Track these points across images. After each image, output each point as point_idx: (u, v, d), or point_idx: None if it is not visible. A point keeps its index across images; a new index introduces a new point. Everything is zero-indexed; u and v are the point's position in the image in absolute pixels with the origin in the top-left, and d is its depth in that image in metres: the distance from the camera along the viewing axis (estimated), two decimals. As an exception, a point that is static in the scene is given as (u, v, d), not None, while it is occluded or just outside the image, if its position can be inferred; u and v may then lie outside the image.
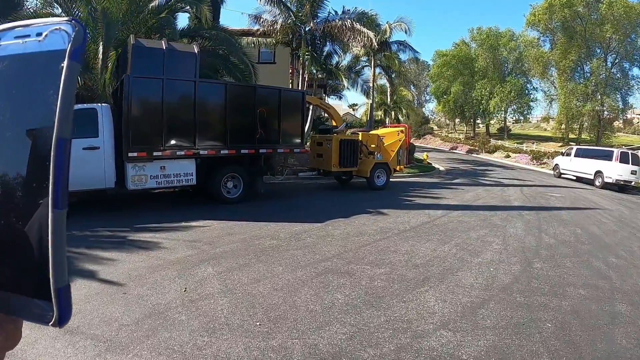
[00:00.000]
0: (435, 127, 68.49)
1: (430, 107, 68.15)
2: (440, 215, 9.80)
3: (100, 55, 10.84)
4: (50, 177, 0.42)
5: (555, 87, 37.76)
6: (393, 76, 44.67)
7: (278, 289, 4.88)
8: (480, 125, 55.49)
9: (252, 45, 20.61)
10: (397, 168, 14.95)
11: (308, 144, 14.50)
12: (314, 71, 20.03)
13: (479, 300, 4.75)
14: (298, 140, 11.98)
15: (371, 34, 17.65)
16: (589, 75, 34.53)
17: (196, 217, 8.51)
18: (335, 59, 20.15)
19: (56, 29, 0.44)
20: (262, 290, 4.82)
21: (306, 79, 20.70)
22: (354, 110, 62.16)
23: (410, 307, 4.50)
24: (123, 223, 7.74)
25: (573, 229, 9.10)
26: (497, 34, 43.85)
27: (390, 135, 14.86)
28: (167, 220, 8.10)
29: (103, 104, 9.28)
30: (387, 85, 45.48)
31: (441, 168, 25.47)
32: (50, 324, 0.44)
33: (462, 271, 5.74)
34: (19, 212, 0.45)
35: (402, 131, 14.74)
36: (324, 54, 20.22)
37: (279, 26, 19.68)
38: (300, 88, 20.46)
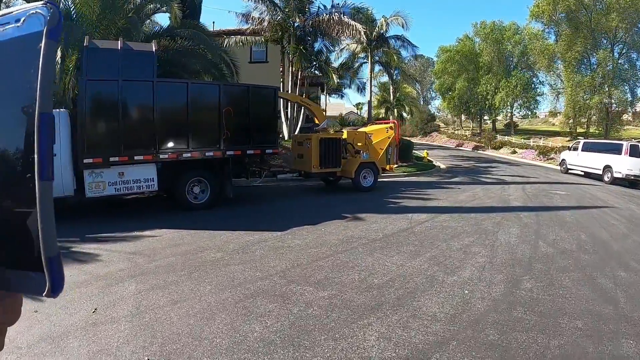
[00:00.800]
0: (442, 125, 66.69)
1: (437, 105, 66.49)
2: (423, 219, 8.57)
3: (58, 59, 10.04)
4: (35, 149, 0.43)
5: (561, 80, 35.89)
6: (395, 73, 43.44)
7: (192, 314, 4.07)
8: (487, 122, 53.66)
9: (241, 44, 19.58)
10: (387, 167, 13.72)
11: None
12: (303, 68, 18.83)
13: (437, 339, 3.55)
14: (271, 140, 10.89)
15: (360, 27, 16.47)
16: (595, 67, 32.63)
17: (154, 225, 7.81)
18: (328, 55, 18.91)
19: (33, 13, 0.46)
20: (175, 315, 4.04)
21: (298, 77, 19.61)
22: (358, 109, 60.80)
23: (340, 349, 3.35)
24: (76, 232, 7.12)
25: (577, 233, 7.79)
26: (501, 28, 42.09)
27: (379, 132, 13.64)
28: (121, 229, 7.51)
29: (61, 110, 8.82)
30: (390, 82, 44.24)
31: (442, 166, 24.12)
32: (44, 294, 0.45)
33: (428, 295, 4.53)
34: (9, 189, 0.46)
35: (391, 127, 13.50)
36: (315, 50, 19.08)
37: (266, 23, 18.66)
38: (289, 86, 19.38)
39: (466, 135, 48.66)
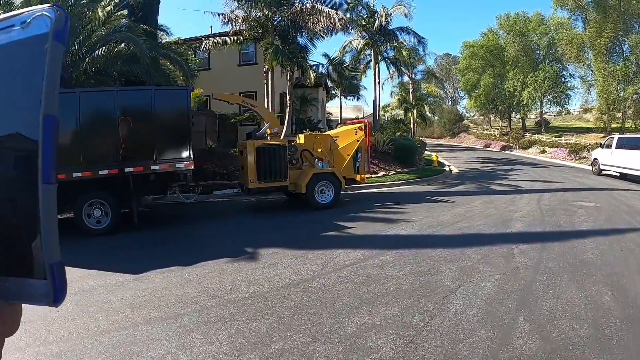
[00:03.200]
0: (472, 125, 61.51)
1: (465, 104, 61.49)
2: (350, 262, 5.36)
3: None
4: (39, 152, 0.41)
5: (592, 71, 30.68)
6: (416, 71, 39.54)
7: None
8: (518, 120, 48.31)
9: (219, 45, 17.02)
10: (357, 178, 10.50)
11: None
12: (283, 66, 15.92)
13: None
14: (184, 153, 8.16)
15: (334, 14, 13.41)
16: (628, 54, 27.42)
17: None
18: (306, 51, 15.91)
19: (39, 15, 0.44)
20: None
21: (289, 77, 16.73)
22: (385, 112, 56.82)
23: None
24: None
25: (597, 290, 4.32)
26: (525, 19, 37.27)
27: (346, 135, 10.47)
28: None
29: None
30: (409, 81, 40.36)
31: (454, 170, 20.40)
32: (46, 303, 0.41)
33: None
34: (9, 192, 0.43)
35: (360, 128, 10.29)
36: (299, 46, 16.12)
37: (240, 19, 15.98)
38: (271, 86, 16.55)
39: (495, 135, 43.91)
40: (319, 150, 10.17)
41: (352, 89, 35.34)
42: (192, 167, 8.35)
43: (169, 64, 14.62)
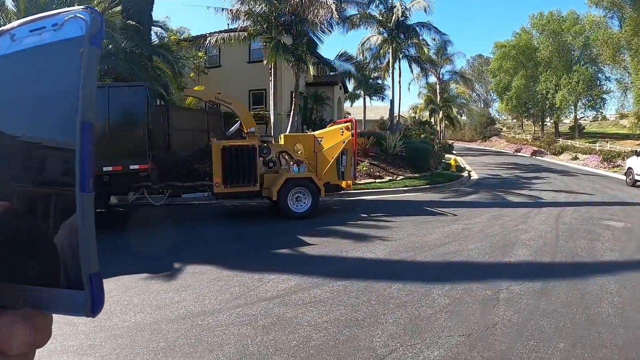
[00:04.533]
0: (504, 129, 58.02)
1: (497, 107, 58.15)
2: (273, 293, 3.96)
3: None
4: (77, 160, 0.39)
5: (629, 73, 27.40)
6: (441, 71, 37.20)
7: None
8: (552, 124, 44.80)
9: (222, 41, 15.98)
10: (342, 184, 9.05)
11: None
12: (287, 61, 14.64)
13: None
14: (139, 153, 7.21)
15: (331, 3, 11.95)
16: None
17: None
18: (307, 45, 14.51)
19: (72, 17, 0.41)
20: None
21: (296, 74, 15.43)
22: (414, 112, 54.29)
23: None
24: None
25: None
26: (559, 18, 34.14)
27: (332, 136, 9.03)
28: None
29: None
30: (436, 81, 38.10)
31: (474, 176, 18.48)
32: (83, 314, 0.39)
33: None
34: (45, 202, 0.41)
35: (347, 127, 8.83)
36: (303, 40, 14.76)
37: (243, 14, 14.87)
38: (273, 83, 15.32)
39: (526, 140, 40.83)
40: (300, 152, 8.82)
41: (377, 89, 33.51)
42: (147, 168, 7.29)
43: (158, 62, 13.72)
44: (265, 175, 8.47)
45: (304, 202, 8.30)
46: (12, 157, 0.42)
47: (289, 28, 14.88)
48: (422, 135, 36.78)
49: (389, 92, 28.24)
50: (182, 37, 19.93)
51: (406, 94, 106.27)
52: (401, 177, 14.72)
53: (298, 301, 3.91)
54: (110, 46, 10.81)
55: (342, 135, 8.82)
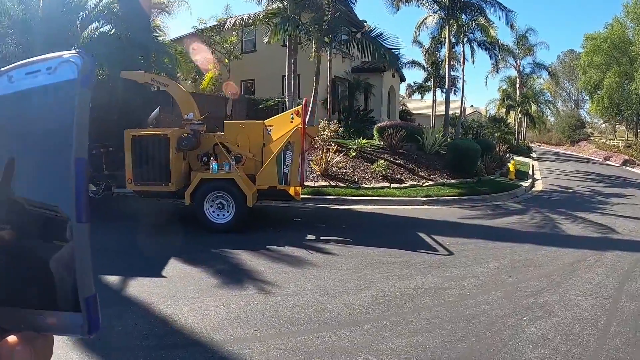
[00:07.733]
0: (595, 133, 48.00)
1: (587, 108, 48.23)
2: None
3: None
4: (72, 193, 0.41)
5: None
6: (525, 64, 30.97)
7: None
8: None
9: (240, 23, 14.07)
10: (289, 190, 6.39)
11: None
12: (319, 43, 12.04)
13: None
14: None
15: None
16: None
17: None
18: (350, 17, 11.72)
19: (65, 61, 0.43)
20: None
21: (318, 57, 12.93)
22: (497, 108, 47.22)
23: None
24: None
25: None
26: (659, 5, 25.63)
27: (281, 124, 6.40)
28: None
29: None
30: (517, 75, 31.90)
31: (538, 187, 14.09)
32: (80, 334, 0.41)
33: None
34: (43, 231, 0.43)
35: (297, 113, 6.13)
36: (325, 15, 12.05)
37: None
38: (291, 66, 12.96)
39: (618, 147, 32.69)
40: (239, 144, 6.42)
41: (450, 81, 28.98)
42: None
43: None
44: (198, 173, 6.28)
45: (227, 211, 5.92)
46: (9, 188, 0.43)
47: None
48: (496, 134, 31.18)
49: (460, 85, 23.91)
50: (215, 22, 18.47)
51: (483, 88, 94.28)
52: (430, 182, 11.27)
53: None
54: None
55: (291, 122, 6.17)
